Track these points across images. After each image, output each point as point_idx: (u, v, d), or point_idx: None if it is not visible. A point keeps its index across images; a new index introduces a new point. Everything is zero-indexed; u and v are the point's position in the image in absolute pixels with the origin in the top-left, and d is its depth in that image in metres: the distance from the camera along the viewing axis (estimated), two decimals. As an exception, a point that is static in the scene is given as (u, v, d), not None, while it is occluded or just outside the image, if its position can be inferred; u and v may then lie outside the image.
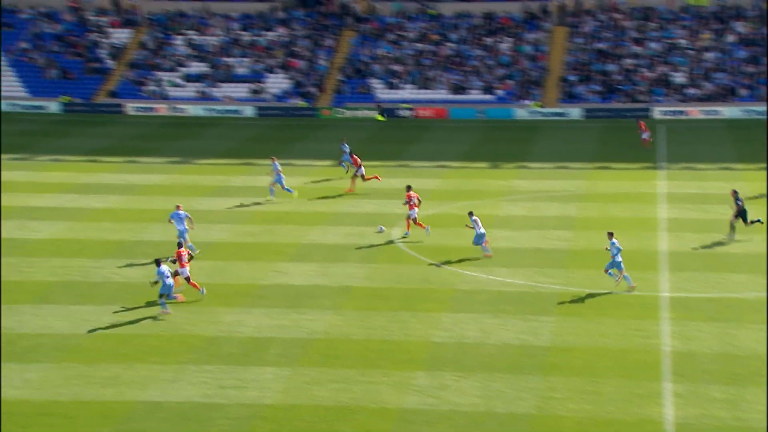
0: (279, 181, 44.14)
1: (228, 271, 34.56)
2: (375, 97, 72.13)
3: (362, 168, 46.16)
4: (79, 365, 26.56)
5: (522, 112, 69.19)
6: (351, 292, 32.11)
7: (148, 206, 43.09)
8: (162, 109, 72.19)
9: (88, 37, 79.88)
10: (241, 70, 76.19)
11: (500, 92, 71.26)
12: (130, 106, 72.80)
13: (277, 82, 74.88)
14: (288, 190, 44.28)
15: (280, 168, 44.36)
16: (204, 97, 73.98)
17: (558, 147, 57.57)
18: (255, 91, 73.90)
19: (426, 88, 72.61)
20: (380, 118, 68.72)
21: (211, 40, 79.12)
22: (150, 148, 58.54)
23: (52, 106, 73.22)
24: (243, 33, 79.78)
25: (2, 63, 76.87)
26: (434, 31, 77.77)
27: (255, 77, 75.28)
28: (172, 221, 35.69)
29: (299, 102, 72.65)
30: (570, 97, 70.78)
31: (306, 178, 48.85)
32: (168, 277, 29.83)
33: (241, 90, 74.31)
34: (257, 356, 27.38)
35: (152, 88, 74.67)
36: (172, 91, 74.54)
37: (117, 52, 78.61)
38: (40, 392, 25.05)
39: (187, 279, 31.41)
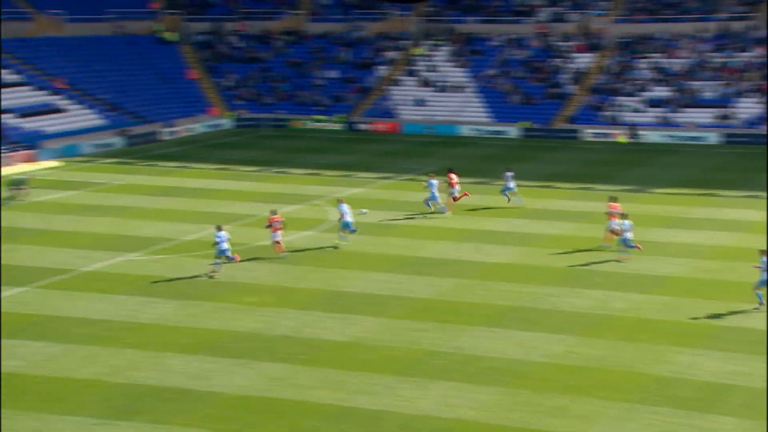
0: (433, 198, 46.33)
1: (683, 308, 32.92)
2: None
3: (455, 187, 46.14)
4: (528, 392, 26.36)
5: None
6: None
7: (596, 234, 42.30)
8: (618, 134, 71.31)
9: (551, 63, 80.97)
10: (707, 94, 73.37)
11: None
12: (587, 132, 72.67)
13: (747, 107, 71.23)
14: (427, 204, 46.58)
15: (436, 184, 46.38)
16: (665, 123, 72.12)
17: None
18: (722, 117, 70.78)
19: None
20: None
21: (678, 62, 76.97)
22: (604, 174, 57.91)
23: (512, 131, 74.89)
24: (713, 54, 76.77)
25: (471, 89, 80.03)
26: None
27: (723, 102, 72.15)
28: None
29: None
30: None
31: (772, 212, 45.75)
32: (223, 241, 36.15)
33: (705, 116, 71.56)
34: (715, 403, 25.62)
35: (611, 113, 74.04)
36: (632, 117, 73.42)
37: (578, 76, 78.90)
38: (490, 415, 25.10)
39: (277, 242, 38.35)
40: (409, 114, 79.75)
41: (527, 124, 74.74)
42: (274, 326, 31.38)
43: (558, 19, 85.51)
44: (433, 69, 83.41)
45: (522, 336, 30.49)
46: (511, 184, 48.73)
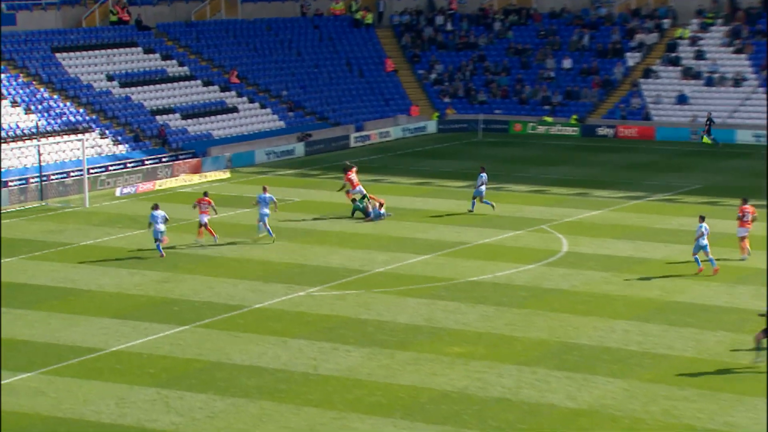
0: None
1: None
2: None
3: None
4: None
5: None
6: None
7: None
8: None
9: None
10: None
11: None
12: None
13: None
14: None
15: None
16: None
17: None
18: None
19: None
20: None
21: None
22: None
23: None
24: None
25: (753, 82, 78.16)
26: None
27: None
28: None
29: None
30: None
31: None
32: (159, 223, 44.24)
33: None
34: None
35: None
36: None
37: None
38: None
39: (204, 225, 46.41)
40: (666, 115, 78.54)
41: None
42: (486, 385, 31.41)
43: None
44: (700, 56, 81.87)
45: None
46: (482, 186, 52.47)
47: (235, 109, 75.11)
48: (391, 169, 66.32)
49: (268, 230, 47.99)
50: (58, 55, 71.89)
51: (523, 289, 40.72)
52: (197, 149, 68.23)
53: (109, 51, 74.43)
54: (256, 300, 39.72)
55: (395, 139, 78.13)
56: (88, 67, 72.45)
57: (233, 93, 76.41)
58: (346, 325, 36.83)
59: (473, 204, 53.16)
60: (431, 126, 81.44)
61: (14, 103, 65.39)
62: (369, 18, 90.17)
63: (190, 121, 72.04)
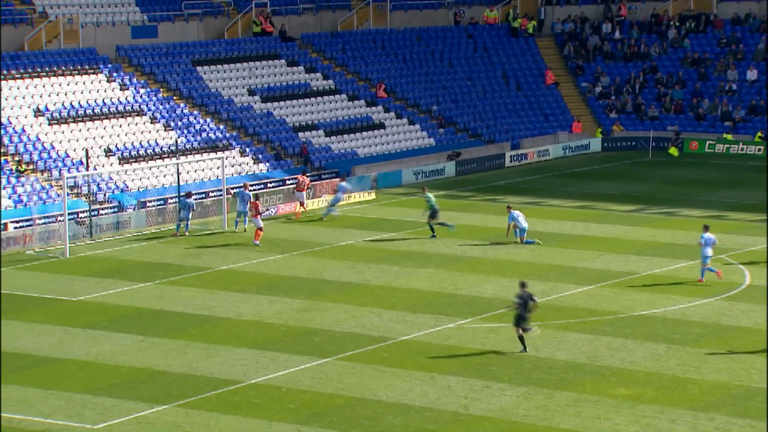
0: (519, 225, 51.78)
1: None
2: None
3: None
4: None
5: None
6: None
7: None
8: None
9: None
10: None
11: None
12: None
13: None
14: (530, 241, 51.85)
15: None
16: None
17: None
18: None
19: None
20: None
21: None
22: None
23: None
24: None
25: None
26: None
27: None
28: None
29: None
30: None
31: None
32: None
33: None
34: None
35: None
36: None
37: None
38: None
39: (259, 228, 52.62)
40: None
41: None
42: None
43: None
44: None
45: None
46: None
47: (381, 126, 75.70)
48: (551, 191, 66.17)
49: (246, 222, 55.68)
50: (199, 68, 73.39)
51: (699, 326, 40.26)
52: (341, 168, 68.90)
53: (251, 64, 75.72)
54: (402, 332, 39.99)
55: (555, 158, 77.86)
56: (229, 81, 73.81)
57: (380, 108, 77.03)
58: (499, 361, 36.87)
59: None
60: (595, 144, 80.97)
61: (153, 120, 66.94)
62: (530, 27, 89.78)
63: (333, 138, 72.82)
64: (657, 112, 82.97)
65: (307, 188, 61.16)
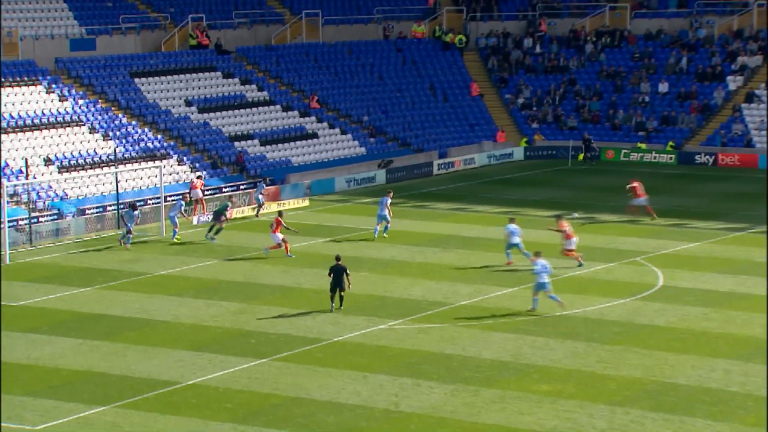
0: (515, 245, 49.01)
1: None
2: None
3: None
4: None
5: None
6: None
7: None
8: None
9: None
10: None
11: None
12: None
13: None
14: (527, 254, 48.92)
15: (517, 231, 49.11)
16: None
17: None
18: None
19: None
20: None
21: None
22: None
23: None
24: None
25: None
26: None
27: None
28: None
29: None
30: None
31: None
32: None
33: None
34: None
35: None
36: None
37: None
38: None
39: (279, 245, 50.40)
40: (771, 142, 77.68)
41: None
42: (576, 426, 31.34)
43: None
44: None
45: None
46: (385, 210, 54.27)
47: (314, 135, 75.64)
48: (477, 198, 66.39)
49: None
50: (136, 80, 72.93)
51: (616, 325, 40.56)
52: (276, 176, 68.77)
53: (187, 76, 75.37)
54: (335, 333, 39.95)
55: (480, 166, 78.17)
56: (167, 92, 73.43)
57: (313, 118, 76.95)
58: (428, 360, 36.92)
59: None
60: (518, 153, 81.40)
61: (92, 130, 66.41)
62: (457, 41, 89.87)
63: (268, 147, 72.65)
64: (576, 122, 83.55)
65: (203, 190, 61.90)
